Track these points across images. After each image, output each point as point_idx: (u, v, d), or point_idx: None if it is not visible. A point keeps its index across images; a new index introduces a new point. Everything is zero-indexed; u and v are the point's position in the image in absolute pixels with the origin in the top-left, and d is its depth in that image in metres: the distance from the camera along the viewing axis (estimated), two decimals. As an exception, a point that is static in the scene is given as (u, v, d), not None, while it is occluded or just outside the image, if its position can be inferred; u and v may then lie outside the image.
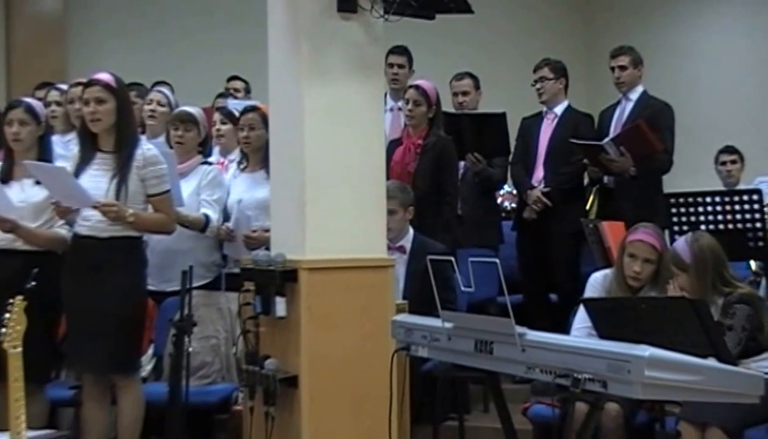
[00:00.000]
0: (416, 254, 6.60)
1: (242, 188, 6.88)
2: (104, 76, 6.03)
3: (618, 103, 7.94)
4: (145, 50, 10.78)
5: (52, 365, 6.47)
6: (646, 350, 3.61)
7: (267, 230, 6.29)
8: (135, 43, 10.99)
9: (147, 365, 6.49)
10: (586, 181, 8.00)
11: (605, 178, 7.74)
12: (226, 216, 6.83)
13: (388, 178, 5.90)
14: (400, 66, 8.43)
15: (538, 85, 8.10)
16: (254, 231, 6.58)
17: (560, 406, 5.34)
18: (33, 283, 5.42)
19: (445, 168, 7.47)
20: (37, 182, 6.17)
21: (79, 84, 6.24)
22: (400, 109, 7.99)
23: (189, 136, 6.96)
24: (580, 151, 7.58)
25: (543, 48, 11.06)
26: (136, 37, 11.10)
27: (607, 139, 7.50)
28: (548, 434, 5.89)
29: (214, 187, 6.83)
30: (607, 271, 5.86)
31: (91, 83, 6.03)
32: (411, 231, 6.85)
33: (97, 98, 5.94)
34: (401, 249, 6.68)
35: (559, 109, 8.08)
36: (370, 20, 5.42)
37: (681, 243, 5.61)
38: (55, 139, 7.06)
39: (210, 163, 7.12)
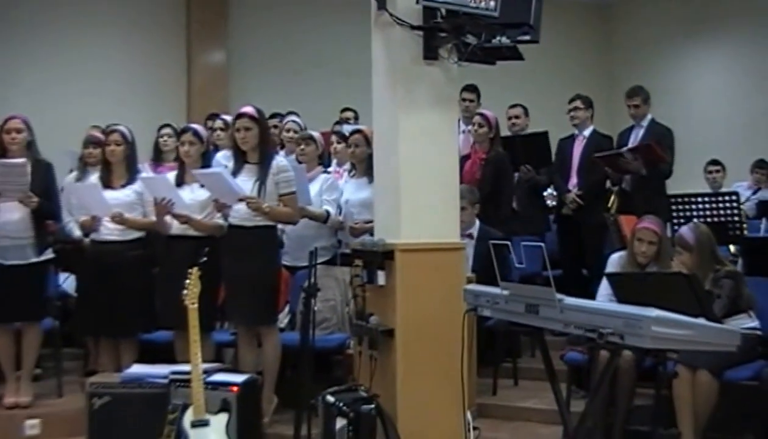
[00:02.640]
0: (481, 239, 6.65)
1: (350, 191, 6.90)
2: (249, 110, 6.10)
3: (632, 127, 7.90)
4: (283, 89, 10.82)
5: (217, 318, 6.57)
6: (653, 312, 3.67)
7: (367, 222, 6.37)
8: (276, 84, 11.05)
9: (284, 320, 6.59)
10: (608, 185, 7.97)
11: (623, 183, 7.72)
12: (340, 210, 6.87)
13: (460, 182, 5.92)
14: (471, 100, 8.41)
15: (572, 113, 8.08)
16: (356, 223, 6.62)
17: (588, 353, 5.43)
18: (204, 259, 5.55)
19: (502, 176, 7.52)
20: (202, 185, 6.26)
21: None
22: (469, 131, 8.01)
23: (309, 150, 7.05)
24: (602, 161, 7.56)
25: (574, 82, 11.08)
26: (277, 80, 11.16)
27: (625, 149, 7.50)
28: (579, 373, 5.90)
29: (332, 190, 6.88)
30: (622, 252, 5.86)
31: (240, 116, 6.12)
32: (477, 222, 6.90)
33: (245, 127, 6.05)
34: (470, 236, 6.71)
35: (587, 132, 8.05)
36: (448, 65, 5.39)
37: (685, 229, 5.64)
38: (221, 155, 7.20)
39: (329, 172, 7.18)
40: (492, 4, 5.08)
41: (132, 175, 6.57)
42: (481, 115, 7.70)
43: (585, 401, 5.62)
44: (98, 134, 7.38)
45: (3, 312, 6.39)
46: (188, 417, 5.23)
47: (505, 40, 5.40)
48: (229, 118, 7.56)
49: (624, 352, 4.79)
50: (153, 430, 5.40)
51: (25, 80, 10.33)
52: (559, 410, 4.73)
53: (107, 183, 6.51)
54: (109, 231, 6.42)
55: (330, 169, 7.38)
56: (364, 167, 6.68)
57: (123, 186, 6.51)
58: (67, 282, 7.50)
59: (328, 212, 6.76)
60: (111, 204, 6.36)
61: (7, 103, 8.31)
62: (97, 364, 6.81)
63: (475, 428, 5.45)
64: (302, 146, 7.10)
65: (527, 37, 5.41)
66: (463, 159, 7.49)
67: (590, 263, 7.60)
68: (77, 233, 6.92)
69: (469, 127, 7.94)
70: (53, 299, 6.96)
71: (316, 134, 7.27)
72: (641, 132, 7.80)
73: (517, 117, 8.54)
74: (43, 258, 6.46)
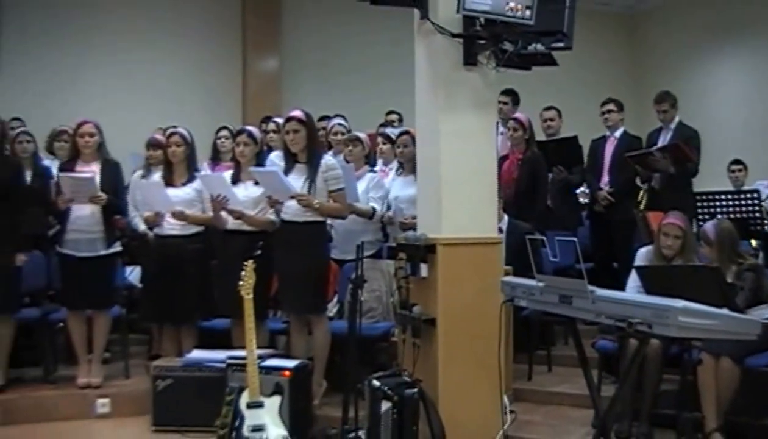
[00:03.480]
0: (510, 233, 6.58)
1: (398, 188, 6.91)
2: (297, 113, 6.11)
3: (661, 129, 7.81)
4: (332, 93, 10.84)
5: (270, 307, 6.61)
6: (680, 303, 3.64)
7: (415, 217, 6.36)
8: (325, 88, 11.07)
9: (332, 309, 6.59)
10: (637, 183, 7.90)
11: (652, 181, 7.65)
12: (389, 207, 6.87)
13: (498, 181, 5.89)
14: (505, 103, 8.36)
15: (605, 116, 8.02)
16: (406, 218, 6.60)
17: (618, 341, 5.39)
18: (258, 252, 5.58)
19: (537, 175, 7.48)
20: (255, 183, 6.28)
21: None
22: (506, 133, 7.97)
23: (356, 151, 7.05)
24: (632, 160, 7.50)
25: (604, 87, 11.00)
26: (326, 84, 11.17)
27: (654, 148, 7.43)
28: (609, 360, 5.85)
29: (378, 188, 6.87)
30: (650, 246, 5.80)
31: (289, 119, 6.13)
32: (506, 217, 6.83)
33: (293, 129, 6.06)
34: (499, 229, 6.68)
35: (618, 134, 7.98)
36: (486, 71, 5.37)
37: (708, 226, 5.61)
38: (274, 155, 7.22)
39: (375, 171, 7.17)
40: (528, 13, 5.08)
41: (192, 174, 6.63)
42: (515, 119, 7.66)
43: (615, 386, 5.64)
44: (160, 137, 7.44)
45: (76, 300, 6.50)
46: (244, 399, 5.27)
47: (540, 47, 5.39)
48: (281, 120, 7.57)
49: (652, 340, 4.76)
50: (211, 410, 5.48)
51: (93, 86, 10.44)
52: (590, 394, 4.71)
53: (169, 181, 6.57)
54: (171, 226, 6.49)
55: (376, 168, 7.36)
56: (412, 166, 6.66)
57: (184, 184, 6.57)
58: (133, 274, 7.57)
59: (374, 209, 6.75)
60: (173, 201, 6.42)
61: (77, 107, 8.39)
62: (161, 349, 6.88)
63: (511, 412, 5.44)
64: (349, 147, 7.11)
65: (561, 44, 5.40)
66: (502, 160, 7.48)
67: (620, 256, 7.53)
68: (142, 227, 6.99)
69: (506, 129, 7.90)
70: (120, 289, 7.06)
71: (362, 135, 7.27)
72: (669, 134, 7.71)
73: (551, 119, 8.47)
74: (111, 251, 6.54)
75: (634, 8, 13.74)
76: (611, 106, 8.03)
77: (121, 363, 6.95)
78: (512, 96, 8.41)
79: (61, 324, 6.93)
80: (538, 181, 7.49)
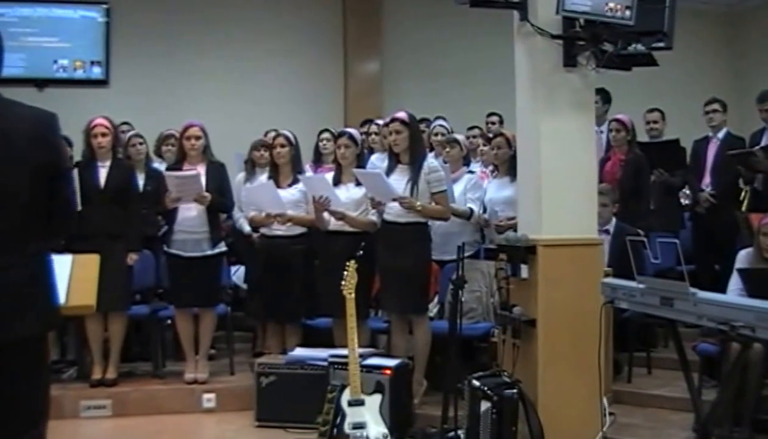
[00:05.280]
0: (617, 235, 6.53)
1: (493, 190, 6.89)
2: (401, 115, 6.16)
3: (764, 129, 7.59)
4: (432, 95, 10.80)
5: (372, 306, 6.67)
6: (784, 306, 3.59)
7: (510, 219, 6.34)
8: (426, 90, 11.03)
9: (433, 309, 6.60)
10: (740, 184, 7.74)
11: (755, 182, 7.49)
12: (484, 209, 6.86)
13: (601, 182, 5.83)
14: (595, 102, 8.25)
15: (710, 115, 7.87)
16: (501, 221, 6.58)
17: (720, 344, 5.29)
18: (360, 252, 5.65)
19: (640, 176, 7.40)
20: (357, 185, 6.36)
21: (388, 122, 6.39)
22: (602, 132, 7.92)
23: (453, 153, 7.04)
24: (734, 159, 7.35)
25: (704, 87, 10.76)
26: (427, 87, 11.14)
27: (757, 148, 7.27)
28: (711, 364, 5.77)
29: (475, 189, 6.86)
30: (750, 248, 5.67)
31: (392, 120, 6.19)
32: (614, 219, 6.80)
33: (396, 130, 6.11)
34: (606, 231, 6.62)
35: (720, 134, 7.83)
36: (586, 72, 5.34)
37: None
38: (375, 157, 7.31)
39: (473, 172, 7.17)
40: (628, 13, 5.05)
41: (297, 175, 6.74)
42: (617, 120, 7.60)
43: (716, 390, 5.54)
44: (266, 138, 7.59)
45: (183, 298, 6.69)
46: (345, 397, 5.37)
47: (640, 47, 5.33)
48: (381, 122, 7.64)
49: (754, 344, 4.67)
50: (313, 407, 5.58)
51: (200, 90, 10.65)
52: (690, 398, 4.66)
53: (275, 183, 6.68)
54: (278, 226, 6.62)
55: (474, 169, 7.36)
56: (507, 168, 6.67)
57: (289, 185, 6.70)
58: (237, 274, 7.74)
59: (471, 210, 6.75)
60: (283, 202, 6.55)
61: (182, 112, 8.58)
62: (264, 346, 7.03)
63: (610, 414, 5.42)
64: (447, 149, 7.13)
65: (661, 44, 5.33)
66: (603, 160, 7.43)
67: (722, 258, 7.40)
68: (247, 228, 7.17)
69: (601, 129, 7.84)
70: (226, 288, 7.22)
71: (459, 137, 7.29)
72: (773, 134, 7.55)
73: (655, 121, 8.33)
74: (217, 251, 6.69)
75: (735, 6, 13.43)
76: (716, 106, 7.88)
77: (227, 360, 7.11)
78: (602, 94, 8.33)
79: (169, 321, 7.16)
80: (641, 182, 7.42)
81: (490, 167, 7.33)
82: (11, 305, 2.87)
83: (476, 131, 8.42)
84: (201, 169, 6.63)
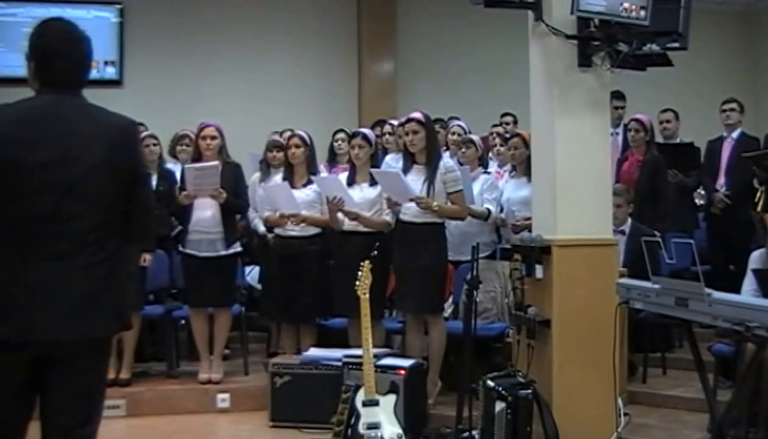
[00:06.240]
0: (632, 236, 6.53)
1: (510, 190, 6.86)
2: (417, 115, 6.17)
3: (779, 128, 7.68)
4: (447, 96, 10.82)
5: (386, 306, 6.69)
6: (799, 307, 3.59)
7: (527, 219, 6.31)
8: (440, 91, 11.05)
9: (448, 309, 6.60)
10: (755, 184, 7.73)
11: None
12: (501, 209, 6.84)
13: (618, 182, 5.81)
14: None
15: (727, 113, 7.89)
16: (517, 221, 6.56)
17: (735, 345, 5.28)
18: (375, 253, 5.67)
19: (658, 176, 7.40)
20: (371, 184, 6.38)
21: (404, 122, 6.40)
22: (617, 134, 7.92)
23: (469, 153, 7.03)
24: (749, 160, 7.35)
25: (719, 87, 10.72)
26: (442, 87, 11.15)
27: (772, 149, 7.30)
28: (726, 364, 5.77)
29: (492, 190, 6.85)
30: (763, 249, 5.63)
31: (409, 120, 6.20)
32: (629, 220, 6.80)
33: (413, 130, 6.12)
34: (622, 232, 6.61)
35: (735, 134, 7.87)
36: (601, 72, 5.35)
37: None
38: (389, 157, 7.31)
39: (489, 173, 7.17)
40: (643, 13, 5.05)
41: (312, 175, 6.77)
42: (637, 120, 7.58)
43: (731, 391, 5.52)
44: (280, 139, 7.61)
45: (198, 298, 6.72)
46: (360, 397, 5.38)
47: (655, 47, 5.33)
48: (395, 122, 7.65)
49: (770, 345, 4.68)
50: (328, 407, 5.60)
51: (215, 89, 10.70)
52: (706, 398, 4.65)
53: (290, 183, 6.71)
54: (292, 227, 6.64)
55: (490, 170, 7.37)
56: (524, 168, 6.68)
57: (304, 186, 6.72)
58: (251, 274, 7.76)
59: (489, 210, 6.75)
60: (298, 202, 6.57)
61: (197, 113, 8.62)
62: (279, 346, 7.06)
63: (625, 414, 5.42)
64: (462, 149, 7.14)
65: (676, 45, 5.33)
66: (621, 161, 7.43)
67: (737, 259, 7.39)
68: (261, 228, 7.19)
69: (617, 130, 7.83)
70: (240, 288, 7.25)
71: (475, 138, 7.28)
72: (788, 134, 7.55)
73: (668, 121, 8.33)
74: (231, 251, 6.72)
75: (751, 6, 13.39)
76: (733, 106, 7.90)
77: (241, 360, 7.13)
78: (617, 96, 8.32)
79: (183, 321, 7.19)
80: (660, 182, 7.41)
81: (507, 167, 7.32)
82: (88, 305, 3.00)
83: (500, 129, 8.41)
84: (216, 169, 6.67)
